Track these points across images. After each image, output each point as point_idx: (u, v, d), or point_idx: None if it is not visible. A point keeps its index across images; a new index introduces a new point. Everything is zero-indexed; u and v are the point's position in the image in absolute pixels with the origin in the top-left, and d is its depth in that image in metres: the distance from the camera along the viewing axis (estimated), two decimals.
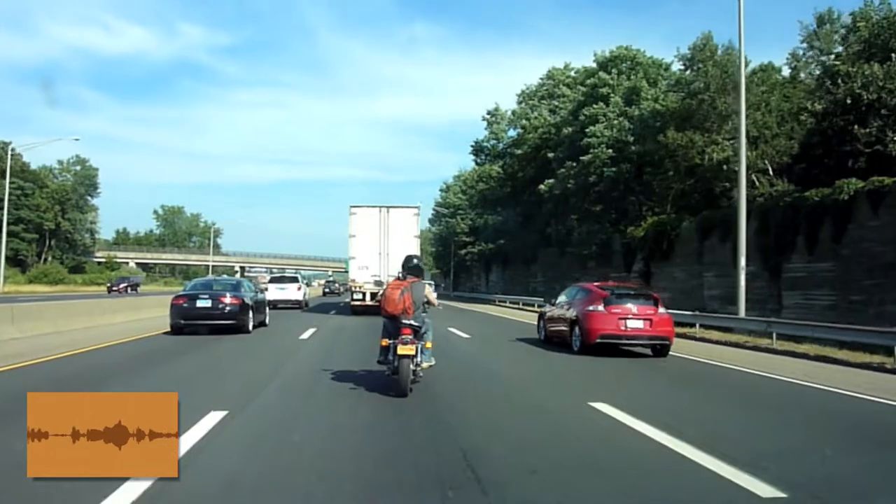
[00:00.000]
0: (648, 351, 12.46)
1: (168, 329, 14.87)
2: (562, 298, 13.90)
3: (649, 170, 29.52)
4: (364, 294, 22.64)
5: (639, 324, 11.94)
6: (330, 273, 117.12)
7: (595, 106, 31.58)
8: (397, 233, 22.61)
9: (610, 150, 30.09)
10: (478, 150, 47.36)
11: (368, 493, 4.18)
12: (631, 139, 29.90)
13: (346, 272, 27.52)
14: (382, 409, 6.68)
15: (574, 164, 31.64)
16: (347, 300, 25.82)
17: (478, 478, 4.36)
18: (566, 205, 34.03)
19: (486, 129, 44.69)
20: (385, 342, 7.58)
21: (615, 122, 30.64)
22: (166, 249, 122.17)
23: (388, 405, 6.89)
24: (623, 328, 11.84)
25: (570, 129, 33.42)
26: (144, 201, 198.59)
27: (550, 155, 35.44)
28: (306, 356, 11.64)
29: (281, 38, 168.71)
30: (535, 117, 39.51)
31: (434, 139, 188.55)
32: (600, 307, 12.11)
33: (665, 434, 5.68)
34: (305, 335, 15.30)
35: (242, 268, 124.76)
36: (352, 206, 23.51)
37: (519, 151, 40.44)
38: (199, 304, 15.04)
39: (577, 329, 12.39)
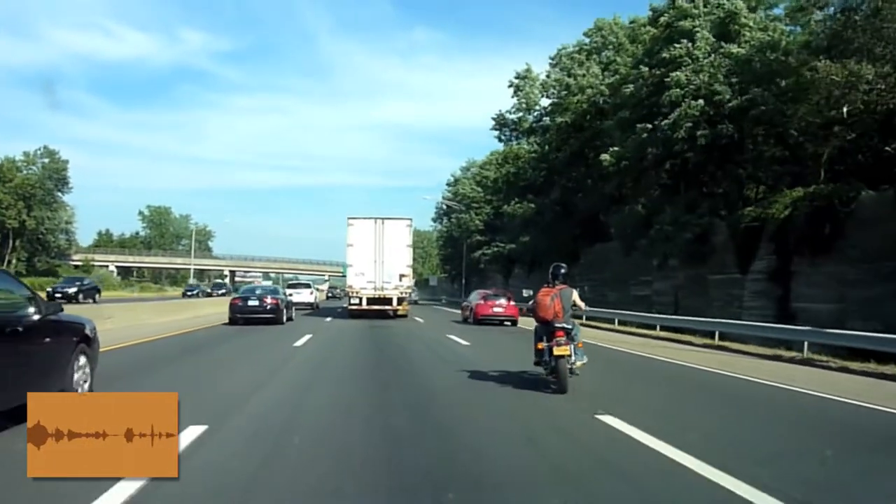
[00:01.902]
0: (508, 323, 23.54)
1: (227, 321, 20.52)
2: (470, 297, 26.97)
3: (760, 131, 20.79)
4: (361, 299, 24.63)
5: (500, 310, 23.79)
6: (327, 277, 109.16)
7: (676, 46, 22.74)
8: (391, 242, 24.48)
9: (701, 102, 21.22)
10: (501, 123, 38.54)
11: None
12: (727, 90, 21.08)
13: (344, 276, 30.18)
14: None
15: (649, 126, 22.84)
16: (346, 305, 27.14)
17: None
18: (636, 185, 25.21)
19: (513, 96, 35.95)
20: (540, 345, 8.29)
21: (705, 63, 21.82)
22: (152, 252, 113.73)
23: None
24: (491, 312, 23.67)
25: (640, 82, 24.58)
26: (142, 206, 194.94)
27: (606, 123, 26.74)
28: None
29: (281, 44, 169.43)
30: (583, 75, 30.76)
31: (434, 144, 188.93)
32: (480, 301, 24.49)
33: None
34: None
35: (233, 272, 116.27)
36: (349, 218, 25.00)
37: (560, 120, 31.62)
38: (250, 303, 20.98)
39: (470, 312, 24.55)
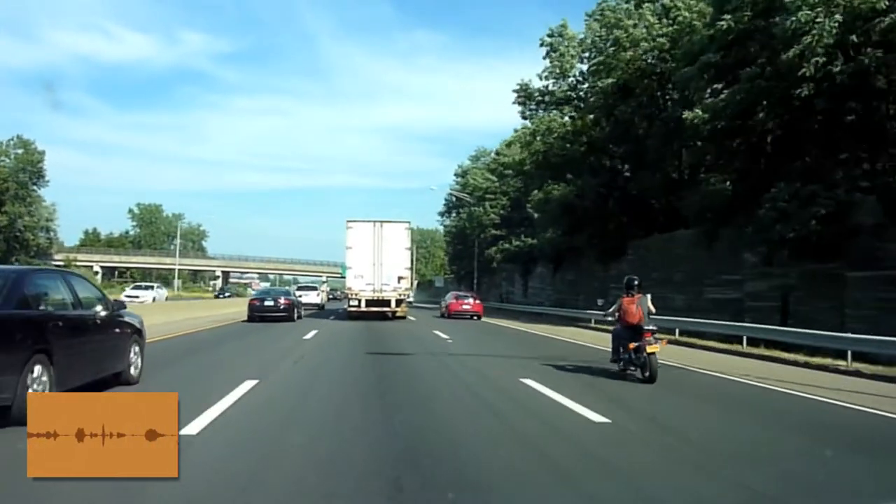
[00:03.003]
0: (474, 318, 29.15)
1: (245, 319, 23.37)
2: (446, 297, 33.14)
3: None
4: (360, 301, 25.19)
5: (467, 307, 29.86)
6: (324, 279, 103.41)
7: None
8: (390, 245, 24.95)
9: (837, 21, 14.92)
10: (525, 96, 32.20)
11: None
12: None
13: (343, 277, 31.28)
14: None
15: (756, 71, 16.57)
16: (345, 306, 27.58)
17: None
18: (727, 153, 18.86)
19: (544, 57, 29.53)
20: (632, 345, 9.83)
21: None
22: (141, 252, 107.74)
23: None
24: (461, 308, 29.73)
25: (718, 26, 18.32)
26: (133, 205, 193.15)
27: (681, 71, 20.52)
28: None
29: (281, 46, 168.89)
30: (634, 25, 24.53)
31: (434, 146, 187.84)
32: (453, 300, 30.93)
33: None
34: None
35: (226, 273, 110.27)
36: (348, 221, 25.50)
37: (605, 83, 25.34)
38: (266, 303, 24.04)
39: (444, 308, 30.81)
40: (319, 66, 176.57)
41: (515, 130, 32.01)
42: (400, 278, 25.16)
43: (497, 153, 48.14)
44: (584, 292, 31.72)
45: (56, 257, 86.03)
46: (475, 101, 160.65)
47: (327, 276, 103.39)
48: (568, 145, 27.40)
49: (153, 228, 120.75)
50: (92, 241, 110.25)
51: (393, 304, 25.08)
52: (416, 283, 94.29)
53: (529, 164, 30.05)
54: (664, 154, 24.05)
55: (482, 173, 49.24)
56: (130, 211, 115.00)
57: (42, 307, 6.61)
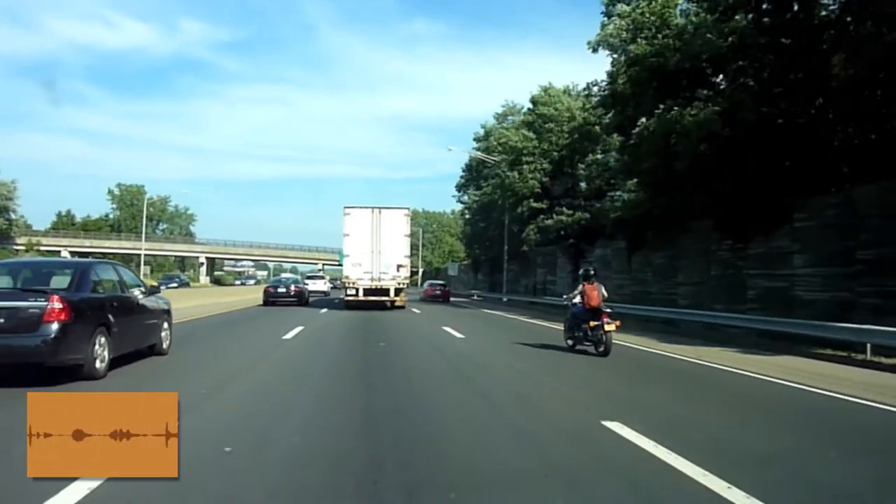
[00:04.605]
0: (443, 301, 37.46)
1: (261, 303, 27.91)
2: (424, 285, 47.85)
3: None
4: (357, 290, 24.80)
5: (438, 293, 39.11)
6: (321, 266, 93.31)
7: None
8: (389, 232, 24.48)
9: None
10: None
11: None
12: None
13: (340, 265, 29.40)
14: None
15: None
16: (342, 296, 27.34)
17: None
18: None
19: None
20: (592, 324, 11.26)
21: None
22: (117, 236, 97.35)
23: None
24: (433, 294, 39.00)
25: None
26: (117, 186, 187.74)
27: None
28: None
29: (282, 35, 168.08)
30: None
31: (435, 136, 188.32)
32: (427, 287, 42.93)
33: None
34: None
35: (211, 259, 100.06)
36: (346, 207, 24.97)
37: None
38: (279, 290, 28.90)
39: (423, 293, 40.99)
40: (320, 55, 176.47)
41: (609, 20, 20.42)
42: (399, 266, 24.76)
43: (534, 102, 37.32)
44: (693, 282, 21.31)
45: (19, 241, 76.85)
46: (476, 91, 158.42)
47: (323, 264, 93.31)
48: (700, 43, 16.50)
49: (133, 210, 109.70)
50: (65, 224, 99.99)
51: (392, 293, 24.75)
52: (421, 271, 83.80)
53: (623, 80, 18.96)
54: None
55: (516, 131, 38.53)
56: (110, 192, 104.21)
57: (101, 292, 8.47)
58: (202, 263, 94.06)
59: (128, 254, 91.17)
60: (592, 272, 11.88)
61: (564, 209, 33.75)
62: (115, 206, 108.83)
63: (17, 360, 7.13)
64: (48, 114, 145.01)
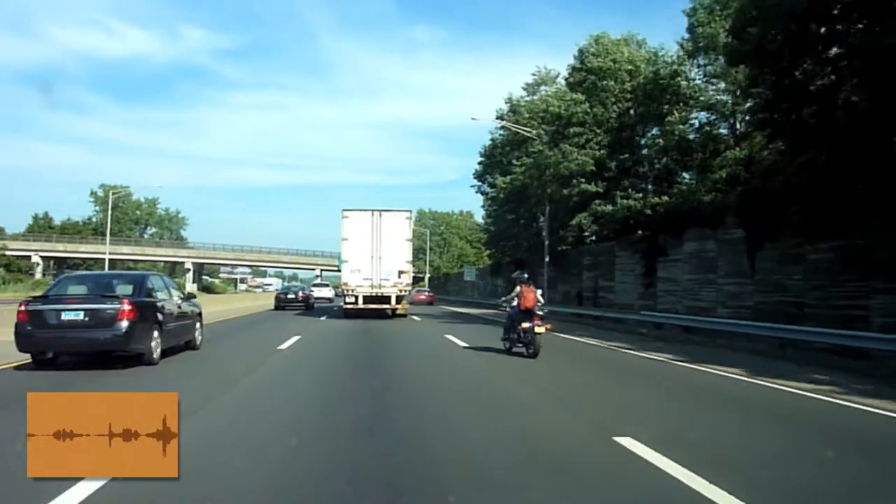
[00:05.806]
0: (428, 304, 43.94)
1: (272, 308, 33.05)
2: (412, 291, 32.73)
3: None
4: (357, 297, 23.67)
5: (423, 297, 46.53)
6: (318, 272, 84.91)
7: None
8: (390, 236, 23.49)
9: None
10: None
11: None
12: None
13: (339, 271, 28.30)
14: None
15: None
16: (341, 304, 26.75)
17: None
18: None
19: None
20: (525, 325, 11.78)
21: None
22: (98, 240, 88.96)
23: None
24: (420, 299, 44.41)
25: None
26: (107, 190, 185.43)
27: None
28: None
29: (282, 41, 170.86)
30: None
31: (435, 142, 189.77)
32: (416, 293, 42.58)
33: None
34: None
35: (199, 265, 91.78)
36: (344, 210, 23.97)
37: None
38: (288, 296, 34.79)
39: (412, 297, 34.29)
40: (320, 61, 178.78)
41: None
42: (401, 272, 23.69)
43: (583, 54, 28.70)
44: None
45: None
46: (476, 97, 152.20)
47: (321, 270, 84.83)
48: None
49: (118, 213, 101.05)
50: (41, 227, 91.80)
51: (393, 300, 23.88)
52: (427, 277, 74.95)
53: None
54: None
55: (559, 96, 29.98)
56: (93, 193, 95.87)
57: (154, 297, 10.76)
58: (188, 269, 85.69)
59: (110, 259, 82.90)
60: (526, 275, 12.63)
61: (631, 191, 25.28)
62: (98, 208, 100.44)
63: (98, 349, 9.68)
64: (49, 121, 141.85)
